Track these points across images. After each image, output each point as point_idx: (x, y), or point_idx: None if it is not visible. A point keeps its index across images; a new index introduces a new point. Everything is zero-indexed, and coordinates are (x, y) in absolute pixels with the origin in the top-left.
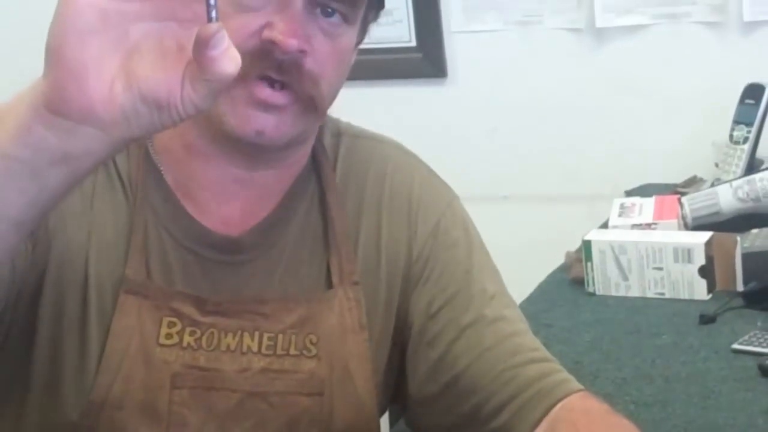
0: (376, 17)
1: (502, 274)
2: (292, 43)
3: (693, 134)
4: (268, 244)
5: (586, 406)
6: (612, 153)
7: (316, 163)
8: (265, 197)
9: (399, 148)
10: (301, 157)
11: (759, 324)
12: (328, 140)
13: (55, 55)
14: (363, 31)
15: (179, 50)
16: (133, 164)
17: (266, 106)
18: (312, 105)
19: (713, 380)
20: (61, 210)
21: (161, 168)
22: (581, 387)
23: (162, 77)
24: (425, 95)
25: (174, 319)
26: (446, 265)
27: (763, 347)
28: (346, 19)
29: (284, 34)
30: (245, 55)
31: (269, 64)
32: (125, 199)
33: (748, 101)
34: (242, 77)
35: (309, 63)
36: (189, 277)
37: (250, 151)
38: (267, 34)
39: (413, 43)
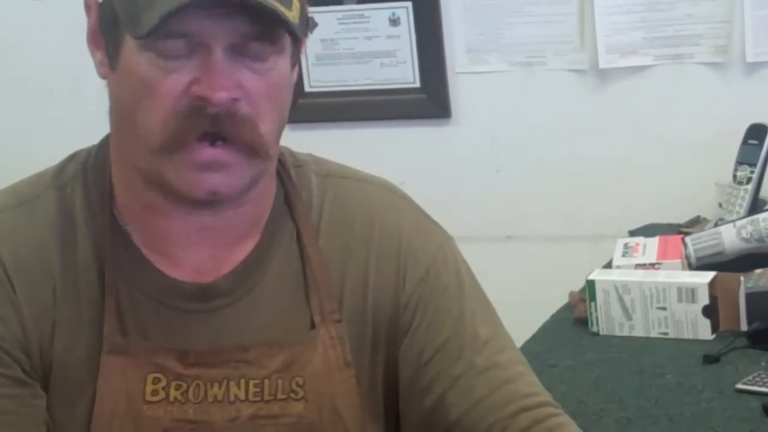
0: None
1: (506, 313)
2: (222, 96)
3: (696, 174)
4: (244, 287)
5: None
6: (615, 193)
7: (289, 204)
8: (237, 240)
9: (390, 189)
10: (264, 194)
11: (763, 364)
12: (313, 181)
13: None
14: (297, 51)
15: None
16: (99, 228)
17: (212, 166)
18: (253, 150)
19: (717, 420)
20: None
21: (127, 229)
22: (575, 430)
23: None
24: (429, 136)
25: (158, 375)
26: (436, 312)
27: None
28: (272, 53)
29: (212, 88)
30: (178, 116)
31: (204, 121)
32: (90, 269)
33: (751, 141)
34: (181, 140)
35: (243, 108)
36: (167, 331)
37: (206, 205)
38: (195, 90)
39: (417, 84)
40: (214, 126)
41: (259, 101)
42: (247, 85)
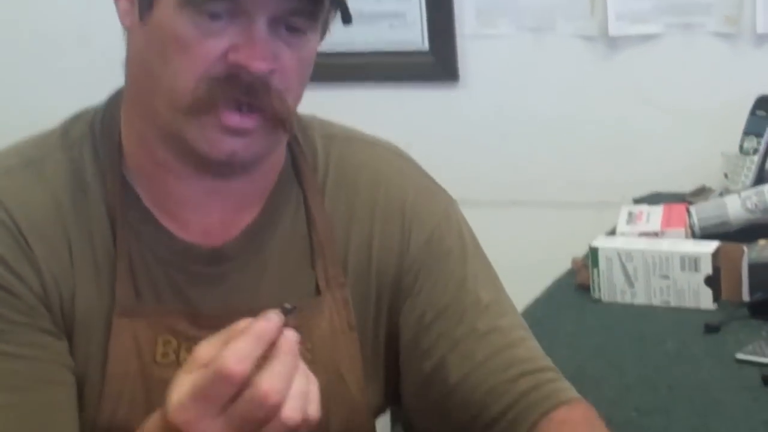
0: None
1: (508, 278)
2: (261, 66)
3: (703, 144)
4: (253, 251)
5: (566, 419)
6: (621, 161)
7: (295, 167)
8: (245, 205)
9: (394, 152)
10: (274, 163)
11: (764, 334)
12: (318, 142)
13: None
14: (324, 31)
15: None
16: (110, 190)
17: (236, 131)
18: (280, 122)
19: (716, 389)
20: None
21: (137, 189)
22: (574, 396)
23: None
24: (437, 98)
25: (169, 338)
26: (439, 276)
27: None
28: (309, 29)
29: (251, 57)
30: (212, 80)
31: (238, 89)
32: (103, 229)
33: (759, 113)
34: (212, 104)
35: (276, 80)
36: (178, 293)
37: (221, 168)
38: (233, 57)
39: (426, 47)
40: (246, 95)
41: (291, 76)
42: (283, 58)
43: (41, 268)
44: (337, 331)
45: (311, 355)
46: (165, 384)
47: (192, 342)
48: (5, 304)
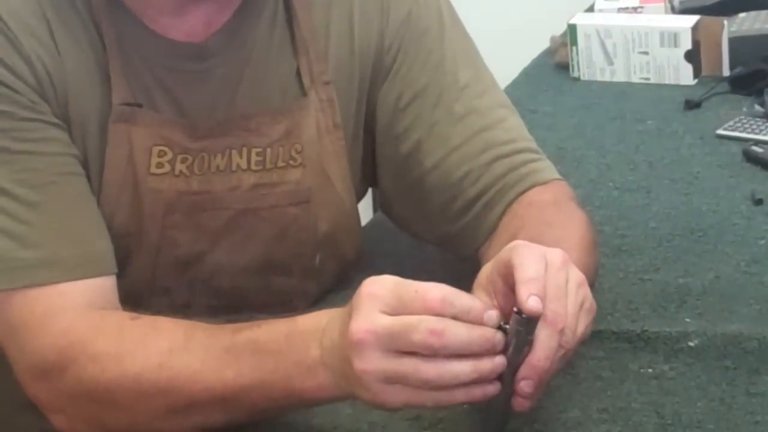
0: None
1: (486, 59)
2: None
3: None
4: (235, 46)
5: (534, 200)
6: None
7: None
8: (227, 5)
9: None
10: None
11: (744, 109)
12: None
13: None
14: None
15: None
16: None
17: None
18: None
19: (697, 166)
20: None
21: None
22: (551, 176)
23: None
24: None
25: (164, 148)
26: (416, 56)
27: (748, 133)
28: None
29: None
30: None
31: None
32: (90, 35)
33: None
34: None
35: None
36: (167, 94)
37: None
38: None
39: None
40: None
41: None
42: None
43: (34, 64)
44: (323, 131)
45: (300, 157)
46: (157, 194)
47: (187, 154)
48: (9, 101)
